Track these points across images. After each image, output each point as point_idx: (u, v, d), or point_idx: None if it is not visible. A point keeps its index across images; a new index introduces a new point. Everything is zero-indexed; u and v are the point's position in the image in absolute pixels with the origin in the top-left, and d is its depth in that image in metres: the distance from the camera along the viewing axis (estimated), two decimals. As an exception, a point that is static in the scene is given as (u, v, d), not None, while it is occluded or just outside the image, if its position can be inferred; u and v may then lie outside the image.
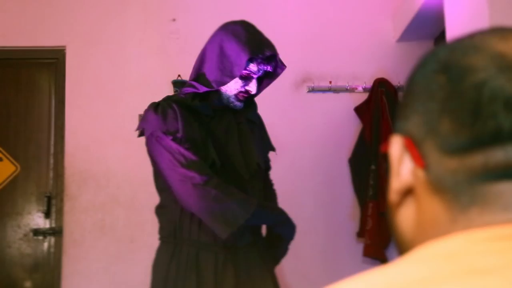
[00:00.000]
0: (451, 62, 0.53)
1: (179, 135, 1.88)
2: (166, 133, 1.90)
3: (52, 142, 3.41)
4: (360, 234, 3.26)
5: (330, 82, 3.41)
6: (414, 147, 0.54)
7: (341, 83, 3.41)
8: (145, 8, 3.47)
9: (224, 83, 1.94)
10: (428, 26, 3.16)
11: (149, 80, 3.35)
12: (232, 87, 1.96)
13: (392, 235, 0.59)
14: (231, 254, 1.95)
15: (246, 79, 1.95)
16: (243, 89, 1.96)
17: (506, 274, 0.43)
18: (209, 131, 1.97)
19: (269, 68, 1.98)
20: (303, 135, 3.37)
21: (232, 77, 1.93)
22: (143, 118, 1.99)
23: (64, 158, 3.34)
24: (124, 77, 3.40)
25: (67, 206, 3.30)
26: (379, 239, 3.14)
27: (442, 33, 3.10)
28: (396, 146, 0.56)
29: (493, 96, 0.49)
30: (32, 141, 3.42)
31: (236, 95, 1.97)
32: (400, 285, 0.45)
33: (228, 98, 1.97)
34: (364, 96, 3.38)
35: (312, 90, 3.41)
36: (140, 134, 1.99)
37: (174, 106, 1.94)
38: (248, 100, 2.06)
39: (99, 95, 3.38)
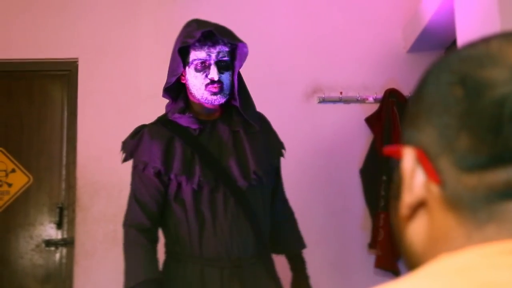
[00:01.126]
0: (468, 74, 0.51)
1: (140, 166, 1.95)
2: (133, 162, 1.98)
3: (64, 153, 3.44)
4: (372, 245, 3.24)
5: (341, 92, 3.40)
6: (427, 161, 0.52)
7: (351, 93, 3.41)
8: (156, 20, 3.50)
9: (169, 83, 1.96)
10: (438, 37, 3.16)
11: (161, 91, 3.36)
12: (196, 83, 1.92)
13: (401, 248, 0.58)
14: (237, 268, 1.93)
15: (204, 69, 1.91)
16: (207, 80, 1.91)
17: None
18: (198, 146, 1.94)
19: (223, 48, 1.91)
20: (313, 146, 3.37)
21: (175, 75, 1.94)
22: (124, 141, 2.03)
23: (76, 169, 3.36)
24: (136, 88, 3.42)
25: (79, 217, 3.31)
26: (391, 251, 3.12)
27: (453, 43, 3.09)
28: (408, 159, 0.54)
29: None
30: (45, 152, 3.44)
31: (206, 90, 1.91)
32: None
33: (202, 96, 1.93)
34: (375, 106, 3.38)
35: (323, 100, 3.41)
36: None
37: (154, 131, 1.96)
38: (244, 101, 2.01)
39: (111, 106, 3.40)
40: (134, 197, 1.97)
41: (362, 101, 3.40)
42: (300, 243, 2.23)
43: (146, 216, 1.94)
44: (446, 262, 0.47)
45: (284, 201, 2.26)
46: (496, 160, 0.48)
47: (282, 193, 2.26)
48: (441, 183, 0.51)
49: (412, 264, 0.55)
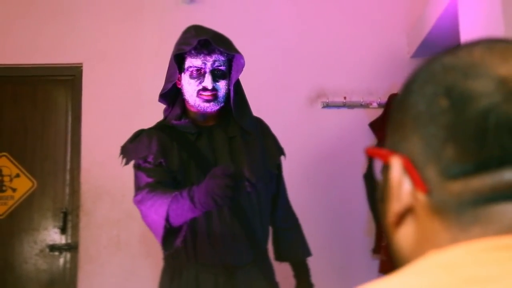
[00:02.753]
0: (452, 85, 0.53)
1: (142, 161, 1.92)
2: (135, 162, 1.96)
3: (68, 158, 3.44)
4: (376, 250, 3.23)
5: (345, 97, 3.40)
6: (415, 171, 0.54)
7: (355, 98, 3.41)
8: (160, 26, 3.51)
9: (165, 89, 1.97)
10: (442, 42, 3.15)
11: (164, 97, 3.37)
12: (189, 89, 1.93)
13: (391, 251, 0.60)
14: (231, 275, 1.92)
15: (199, 77, 1.91)
16: (200, 87, 1.91)
17: (504, 284, 0.44)
18: (194, 151, 1.94)
19: (219, 57, 1.91)
20: (317, 151, 3.37)
21: (171, 81, 1.94)
22: (123, 145, 2.04)
23: (80, 174, 3.37)
24: (139, 94, 3.42)
25: (83, 222, 3.31)
26: (395, 256, 3.11)
27: (457, 49, 3.09)
28: (395, 168, 0.56)
29: (499, 124, 0.49)
30: (49, 157, 3.45)
31: (198, 97, 1.92)
32: None
33: (195, 103, 1.93)
34: (379, 111, 3.37)
35: (327, 105, 3.41)
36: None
37: (152, 134, 1.96)
38: (240, 110, 2.00)
39: (115, 112, 3.41)
40: (146, 178, 1.89)
41: (366, 106, 3.40)
42: (304, 251, 2.21)
43: (161, 180, 1.87)
44: (433, 259, 0.49)
45: (287, 208, 2.24)
46: (481, 168, 0.50)
47: (285, 200, 2.23)
48: (427, 191, 0.53)
49: (402, 266, 0.57)
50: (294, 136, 3.26)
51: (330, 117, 3.42)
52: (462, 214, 0.51)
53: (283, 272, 2.25)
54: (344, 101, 3.40)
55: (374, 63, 3.46)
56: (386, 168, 0.59)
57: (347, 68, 3.47)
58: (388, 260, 3.13)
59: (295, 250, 2.20)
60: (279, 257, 2.21)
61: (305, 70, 3.46)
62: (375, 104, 3.39)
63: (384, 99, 3.36)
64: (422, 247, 0.54)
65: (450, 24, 2.80)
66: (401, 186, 0.55)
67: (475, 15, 2.27)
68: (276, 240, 2.20)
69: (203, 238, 1.91)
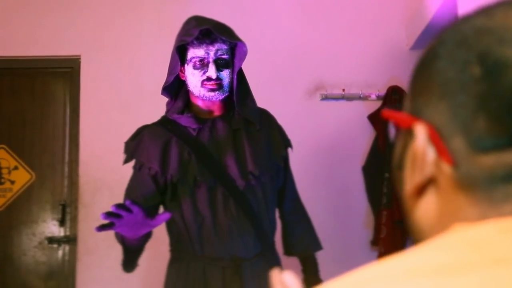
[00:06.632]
0: (486, 51, 0.49)
1: (137, 166, 1.97)
2: (135, 163, 1.98)
3: (66, 150, 3.44)
4: (374, 242, 3.24)
5: (343, 90, 3.40)
6: (440, 141, 0.50)
7: (354, 91, 3.41)
8: (158, 17, 3.50)
9: (168, 81, 1.96)
10: (441, 34, 3.15)
11: (163, 89, 3.37)
12: (193, 80, 1.92)
13: (409, 224, 0.56)
14: (238, 267, 1.92)
15: (202, 67, 1.91)
16: (204, 77, 1.90)
17: None
18: (196, 145, 1.93)
19: (222, 46, 1.91)
20: (316, 143, 3.37)
21: (173, 74, 1.93)
22: (126, 142, 2.03)
23: (78, 167, 3.37)
24: (138, 86, 3.42)
25: (81, 214, 3.32)
26: (393, 248, 3.12)
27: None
28: (420, 136, 0.52)
29: None
30: (47, 149, 3.45)
31: (202, 87, 1.91)
32: (422, 271, 0.43)
33: (200, 93, 1.93)
34: (378, 104, 3.37)
35: (325, 98, 3.41)
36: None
37: (154, 132, 1.97)
38: (242, 99, 1.99)
39: (113, 104, 3.41)
40: (126, 195, 1.99)
41: (365, 98, 3.40)
42: (313, 245, 2.19)
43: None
44: (460, 234, 0.46)
45: (296, 201, 2.22)
46: None
47: (293, 192, 2.21)
48: (454, 163, 0.50)
49: (421, 240, 0.54)
50: (292, 129, 3.24)
51: (328, 109, 3.42)
52: (493, 190, 0.48)
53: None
54: (343, 93, 3.40)
55: (373, 55, 3.46)
56: (406, 133, 0.55)
57: (346, 61, 3.46)
58: (387, 252, 3.13)
59: (303, 244, 2.17)
60: (288, 251, 2.19)
61: (304, 63, 3.46)
62: (373, 97, 3.39)
63: (383, 91, 3.35)
64: (445, 221, 0.51)
65: (449, 15, 2.79)
66: (425, 157, 0.52)
67: (474, 5, 2.27)
68: (284, 233, 2.18)
69: (209, 231, 1.91)
